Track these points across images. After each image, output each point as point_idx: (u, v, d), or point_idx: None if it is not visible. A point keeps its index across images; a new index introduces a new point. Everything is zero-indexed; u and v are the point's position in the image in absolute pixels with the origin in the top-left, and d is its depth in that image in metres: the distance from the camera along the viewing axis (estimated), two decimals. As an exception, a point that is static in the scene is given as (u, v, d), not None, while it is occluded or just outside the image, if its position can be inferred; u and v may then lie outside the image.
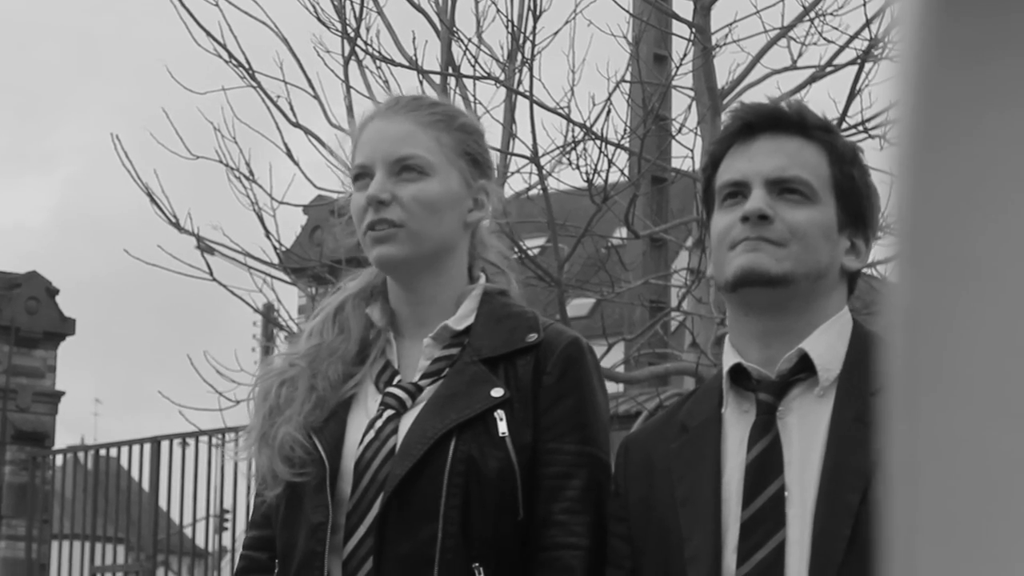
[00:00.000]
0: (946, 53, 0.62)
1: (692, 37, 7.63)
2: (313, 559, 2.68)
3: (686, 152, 7.90)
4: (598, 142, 7.40)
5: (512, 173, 7.66)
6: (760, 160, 2.58)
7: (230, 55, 7.55)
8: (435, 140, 2.80)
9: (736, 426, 2.57)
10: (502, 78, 7.55)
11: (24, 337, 11.98)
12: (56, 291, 12.15)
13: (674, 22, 8.01)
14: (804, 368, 2.54)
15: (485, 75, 7.56)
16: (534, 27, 7.34)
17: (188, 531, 12.06)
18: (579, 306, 15.85)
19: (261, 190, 7.64)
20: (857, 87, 7.42)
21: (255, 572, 2.86)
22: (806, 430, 2.50)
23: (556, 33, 7.58)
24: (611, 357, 7.81)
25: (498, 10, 7.51)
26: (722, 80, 7.67)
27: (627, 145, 7.71)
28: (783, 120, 2.61)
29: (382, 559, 2.65)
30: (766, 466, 2.49)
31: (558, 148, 7.57)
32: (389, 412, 2.74)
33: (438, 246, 2.79)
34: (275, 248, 7.69)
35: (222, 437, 10.18)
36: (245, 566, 2.89)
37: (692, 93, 7.81)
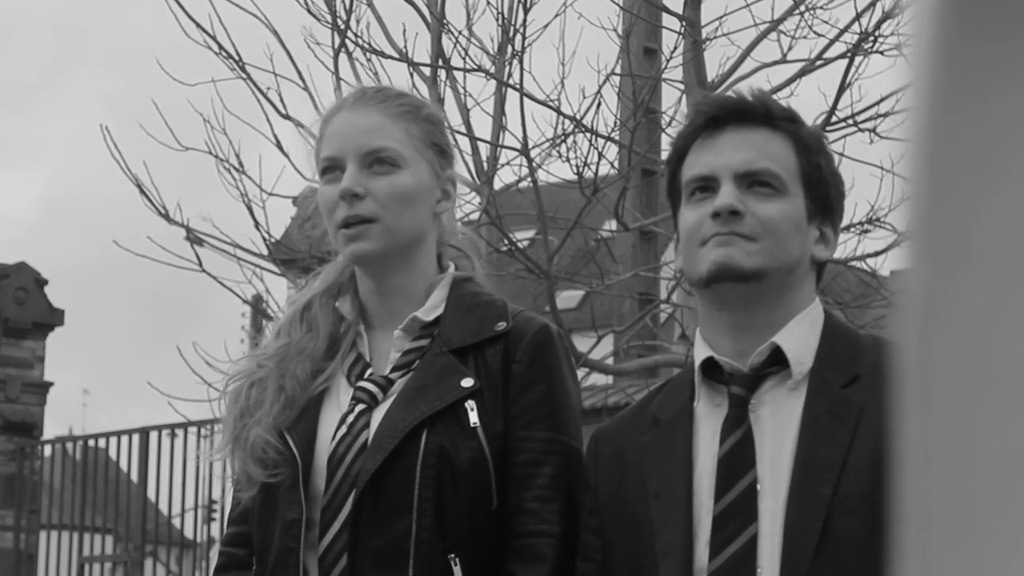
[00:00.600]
0: (962, 34, 0.62)
1: (682, 30, 7.63)
2: (288, 556, 2.68)
3: (676, 145, 7.87)
4: (588, 135, 7.41)
5: (502, 165, 7.66)
6: (728, 154, 2.55)
7: (220, 47, 7.55)
8: (404, 132, 2.78)
9: (708, 419, 2.55)
10: (492, 71, 7.55)
11: (13, 328, 11.96)
12: (45, 281, 12.14)
13: (664, 15, 8.01)
14: (776, 361, 2.52)
15: (475, 67, 7.56)
16: (524, 20, 7.34)
17: (176, 522, 12.06)
18: (568, 298, 15.84)
19: (251, 181, 7.64)
20: (847, 80, 7.42)
21: (234, 568, 2.85)
22: (778, 423, 2.48)
23: (546, 26, 7.58)
24: (600, 349, 7.81)
25: (488, 2, 7.51)
26: (712, 73, 7.68)
27: (617, 138, 7.71)
28: (749, 112, 2.59)
29: (356, 554, 2.64)
30: (738, 459, 2.47)
31: (548, 141, 7.57)
32: (361, 407, 2.73)
33: (411, 239, 2.77)
34: (264, 239, 7.69)
35: (211, 428, 10.17)
36: (224, 562, 2.89)
37: (682, 86, 7.81)
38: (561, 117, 7.47)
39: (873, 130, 7.60)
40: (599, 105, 7.42)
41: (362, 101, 2.82)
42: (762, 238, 2.49)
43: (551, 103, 7.46)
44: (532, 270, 7.42)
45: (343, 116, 2.81)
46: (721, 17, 7.73)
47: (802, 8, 7.61)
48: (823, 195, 2.58)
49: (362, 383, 2.77)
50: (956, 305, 0.62)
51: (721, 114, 2.60)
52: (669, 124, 7.96)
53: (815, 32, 7.65)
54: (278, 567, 2.70)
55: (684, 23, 7.57)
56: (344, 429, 2.72)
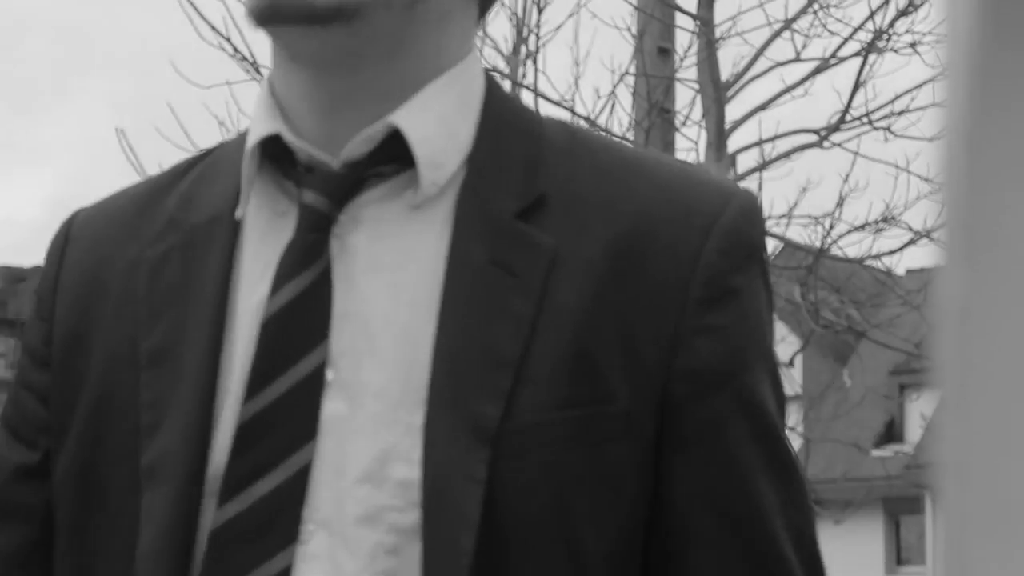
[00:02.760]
0: (998, 31, 0.61)
1: (696, 30, 7.63)
2: None
3: (690, 145, 7.91)
4: (602, 135, 7.41)
5: (516, 166, 7.66)
6: None
7: (235, 49, 7.56)
8: None
9: (264, 241, 1.36)
10: (506, 71, 7.57)
11: (28, 330, 11.99)
12: (60, 284, 12.18)
13: (678, 15, 8.01)
14: (395, 156, 1.33)
15: (490, 68, 7.57)
16: (538, 20, 7.36)
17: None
18: (583, 298, 15.79)
19: (266, 184, 7.66)
20: (861, 79, 7.43)
21: None
22: (386, 262, 1.32)
23: (560, 26, 7.60)
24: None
25: (503, 3, 7.52)
26: (726, 73, 7.69)
27: (631, 138, 7.72)
28: None
29: None
30: (298, 324, 1.31)
31: (562, 141, 7.57)
32: None
33: None
34: (280, 241, 7.70)
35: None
36: None
37: (696, 86, 7.82)
38: (575, 117, 7.47)
39: (888, 128, 7.61)
40: (613, 105, 7.43)
41: None
42: None
43: (565, 103, 7.47)
44: (547, 270, 7.42)
45: None
46: (735, 16, 7.73)
47: (816, 6, 7.61)
48: None
49: None
50: (994, 307, 0.62)
51: None
52: (683, 124, 7.95)
53: (829, 30, 7.65)
54: None
55: (698, 22, 7.57)
56: None
